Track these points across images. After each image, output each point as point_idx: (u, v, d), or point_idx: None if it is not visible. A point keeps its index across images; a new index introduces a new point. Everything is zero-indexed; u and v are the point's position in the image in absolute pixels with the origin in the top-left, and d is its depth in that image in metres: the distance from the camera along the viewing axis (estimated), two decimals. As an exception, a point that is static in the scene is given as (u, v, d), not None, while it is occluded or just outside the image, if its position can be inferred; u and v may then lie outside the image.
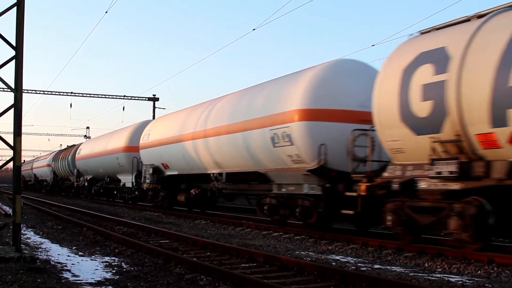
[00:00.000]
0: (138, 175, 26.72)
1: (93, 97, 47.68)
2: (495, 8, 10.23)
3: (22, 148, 9.54)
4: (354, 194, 12.21)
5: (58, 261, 9.39)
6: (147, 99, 47.78)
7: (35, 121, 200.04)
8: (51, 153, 57.22)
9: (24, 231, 14.57)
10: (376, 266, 9.20)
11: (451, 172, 9.66)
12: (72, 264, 9.16)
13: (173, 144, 21.51)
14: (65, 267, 8.75)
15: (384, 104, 11.22)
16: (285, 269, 8.56)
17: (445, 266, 9.21)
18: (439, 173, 9.90)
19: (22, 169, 14.06)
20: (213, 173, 18.75)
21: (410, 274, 8.40)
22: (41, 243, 12.06)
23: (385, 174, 11.39)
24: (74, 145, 47.24)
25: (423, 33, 11.43)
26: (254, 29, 26.35)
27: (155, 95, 47.92)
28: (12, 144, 9.39)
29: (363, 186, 11.83)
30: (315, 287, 7.38)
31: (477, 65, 9.42)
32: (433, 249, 10.53)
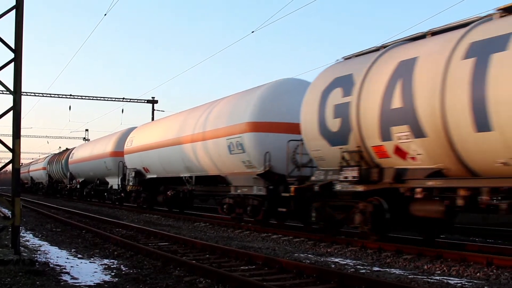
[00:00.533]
0: (123, 178, 28.71)
1: (92, 99, 47.68)
2: (398, 40, 12.33)
3: (21, 150, 9.54)
4: (287, 194, 14.40)
5: (57, 263, 9.37)
6: (146, 101, 47.78)
7: (34, 123, 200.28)
8: (46, 157, 59.20)
9: (23, 233, 14.56)
10: (375, 269, 9.20)
11: (354, 177, 11.76)
12: (71, 266, 9.16)
13: (152, 150, 23.89)
14: (64, 270, 8.74)
15: (307, 119, 13.38)
16: (284, 272, 8.56)
17: (444, 268, 9.21)
18: (346, 177, 12.01)
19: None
20: (185, 177, 21.24)
21: (409, 276, 8.41)
22: (40, 246, 12.04)
23: (312, 178, 13.48)
24: (67, 149, 49.26)
25: (346, 58, 13.62)
26: (253, 32, 26.43)
27: (154, 97, 47.90)
28: (11, 146, 9.39)
29: (292, 188, 14.10)
30: (314, 289, 7.39)
31: (370, 90, 11.48)
32: (432, 251, 10.53)
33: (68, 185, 44.08)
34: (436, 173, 10.34)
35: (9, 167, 9.67)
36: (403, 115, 10.63)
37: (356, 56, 13.25)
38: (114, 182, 31.84)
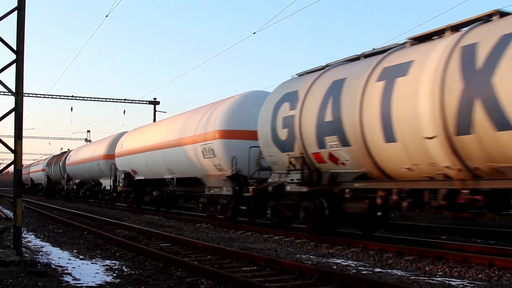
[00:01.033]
0: (115, 179, 30.82)
1: (93, 100, 47.85)
2: (339, 60, 14.02)
3: (23, 151, 9.55)
4: (248, 194, 16.41)
5: (59, 264, 9.39)
6: (147, 102, 47.85)
7: (36, 124, 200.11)
8: (46, 159, 61.10)
9: (25, 234, 14.58)
10: (377, 270, 9.20)
11: (298, 179, 13.59)
12: (73, 267, 9.16)
13: (139, 153, 26.03)
14: (65, 271, 8.74)
15: (263, 128, 15.36)
16: (286, 273, 8.56)
17: (446, 269, 9.20)
18: (292, 179, 13.88)
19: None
20: (167, 178, 23.31)
21: (411, 277, 8.40)
22: (42, 247, 12.06)
23: (269, 180, 15.29)
24: (65, 152, 52.09)
25: (299, 75, 15.36)
26: (254, 33, 26.44)
27: (155, 98, 48.03)
28: (13, 147, 9.40)
29: (251, 189, 16.20)
30: (316, 290, 7.38)
31: (310, 105, 13.40)
32: (433, 252, 10.52)
33: (66, 186, 45.75)
34: (362, 176, 12.16)
35: (11, 168, 9.66)
36: (333, 127, 12.53)
37: (306, 73, 15.00)
38: (107, 183, 33.70)
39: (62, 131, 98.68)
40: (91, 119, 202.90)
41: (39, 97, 46.33)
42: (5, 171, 10.77)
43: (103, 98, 48.09)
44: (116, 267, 9.27)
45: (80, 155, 40.72)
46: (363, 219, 13.38)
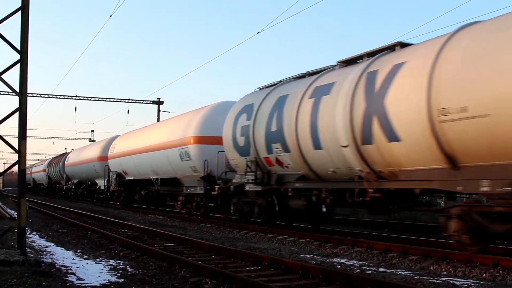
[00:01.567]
0: (108, 180, 33.26)
1: (97, 100, 47.87)
2: (289, 77, 16.34)
3: (27, 151, 9.56)
4: (215, 193, 18.88)
5: (63, 264, 9.39)
6: (151, 102, 47.85)
7: (40, 124, 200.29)
8: (46, 160, 64.87)
9: (29, 234, 14.60)
10: (381, 269, 9.18)
11: (252, 180, 15.91)
12: (77, 267, 9.16)
13: (129, 156, 28.61)
14: (70, 271, 8.75)
15: (226, 135, 17.60)
16: (290, 273, 8.55)
17: (450, 269, 9.18)
18: (248, 180, 16.17)
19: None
20: (153, 178, 25.95)
21: (415, 277, 8.38)
22: (46, 247, 12.07)
23: (233, 180, 17.49)
24: (64, 153, 54.81)
25: (260, 88, 17.56)
26: (258, 32, 26.42)
27: (159, 98, 47.99)
28: (17, 147, 9.41)
29: (217, 188, 18.72)
30: (319, 290, 7.37)
31: (261, 117, 15.69)
32: (438, 252, 10.50)
33: (65, 186, 48.61)
34: (301, 177, 14.33)
35: (15, 168, 9.67)
36: (277, 136, 14.76)
37: (265, 87, 17.23)
38: (101, 183, 36.24)
39: (66, 131, 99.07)
40: (95, 119, 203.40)
41: (43, 97, 46.38)
42: (9, 171, 10.80)
43: (107, 98, 48.09)
44: (120, 267, 9.28)
45: (78, 156, 43.30)
46: (311, 214, 14.76)
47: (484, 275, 8.67)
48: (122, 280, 8.01)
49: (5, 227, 9.92)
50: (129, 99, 47.61)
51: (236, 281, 7.56)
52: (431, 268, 9.38)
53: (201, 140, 20.82)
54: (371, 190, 11.82)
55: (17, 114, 9.45)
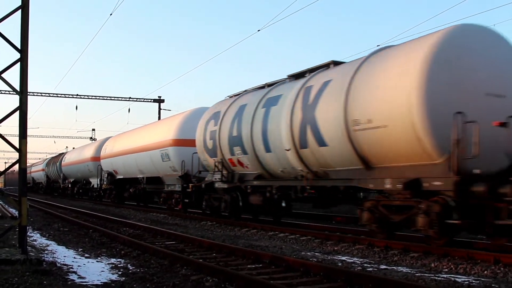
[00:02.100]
0: (101, 179, 35.58)
1: (98, 99, 47.82)
2: (250, 88, 18.53)
3: (28, 150, 9.56)
4: (189, 190, 20.95)
5: (64, 263, 9.39)
6: (152, 100, 47.82)
7: (41, 123, 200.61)
8: (45, 160, 66.91)
9: (30, 233, 14.60)
10: (382, 267, 9.18)
11: (219, 178, 18.22)
12: (78, 266, 9.17)
13: (118, 156, 31.12)
14: (71, 269, 8.75)
15: (198, 139, 19.96)
16: (291, 270, 8.54)
17: (452, 266, 9.18)
18: (216, 178, 18.50)
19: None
20: (139, 177, 28.36)
21: (417, 274, 8.38)
22: (47, 245, 12.07)
23: (206, 179, 19.72)
24: (61, 153, 57.13)
25: (230, 97, 19.56)
26: (259, 30, 26.39)
27: (160, 96, 47.96)
28: (17, 146, 9.41)
29: (190, 186, 20.86)
30: (321, 288, 7.37)
31: (225, 123, 17.95)
32: (439, 249, 10.49)
33: (62, 185, 51.11)
34: (259, 176, 16.55)
35: (16, 167, 9.68)
36: (237, 140, 16.90)
37: (234, 96, 19.18)
38: (95, 182, 38.76)
39: (67, 129, 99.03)
40: (96, 117, 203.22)
41: (44, 96, 46.35)
42: (11, 170, 10.82)
43: (108, 97, 48.01)
44: (122, 265, 9.28)
45: (73, 157, 46.06)
46: (269, 208, 16.61)
47: (485, 272, 8.66)
48: (123, 278, 8.01)
49: (6, 226, 9.91)
50: (130, 98, 47.60)
51: (237, 279, 7.55)
52: (432, 265, 9.38)
53: (179, 142, 23.37)
54: (308, 187, 14.13)
55: (17, 113, 9.46)
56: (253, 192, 16.89)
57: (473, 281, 7.88)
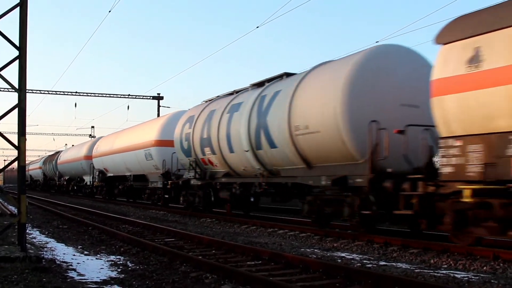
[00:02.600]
0: (93, 176, 37.78)
1: (97, 96, 47.73)
2: (221, 95, 20.51)
3: (27, 148, 9.56)
4: (168, 187, 23.13)
5: (63, 260, 9.39)
6: (151, 98, 47.78)
7: (40, 121, 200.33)
8: (42, 158, 69.69)
9: (30, 230, 14.60)
10: (382, 263, 9.18)
11: (193, 176, 20.33)
12: (78, 263, 9.16)
13: (108, 155, 33.23)
14: (70, 266, 8.75)
15: (176, 140, 22.04)
16: (291, 267, 8.54)
17: (451, 262, 9.19)
18: (190, 176, 20.62)
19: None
20: (127, 175, 30.58)
21: (416, 270, 8.38)
22: (47, 243, 12.07)
23: (183, 176, 21.71)
24: (57, 152, 59.35)
25: (205, 101, 21.49)
26: (257, 27, 26.37)
27: (159, 93, 47.93)
28: (16, 144, 9.40)
29: (169, 183, 23.06)
30: (320, 284, 7.36)
31: (198, 126, 19.97)
32: (438, 245, 10.50)
33: (58, 182, 53.36)
34: (226, 174, 18.50)
35: (15, 164, 9.66)
36: (207, 142, 18.97)
37: (209, 100, 21.14)
38: (88, 179, 41.13)
39: (67, 127, 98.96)
40: (95, 114, 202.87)
41: (43, 93, 46.25)
42: (10, 167, 10.79)
43: (107, 94, 47.94)
44: (121, 262, 9.27)
45: (68, 155, 48.25)
46: (236, 203, 18.50)
47: (484, 267, 8.68)
48: (123, 275, 8.01)
49: (6, 224, 9.91)
50: (129, 95, 47.55)
51: (236, 275, 7.56)
52: (432, 261, 9.39)
53: (160, 143, 25.66)
54: (264, 184, 16.00)
55: (16, 110, 9.44)
56: (222, 188, 18.81)
57: (472, 277, 7.88)
